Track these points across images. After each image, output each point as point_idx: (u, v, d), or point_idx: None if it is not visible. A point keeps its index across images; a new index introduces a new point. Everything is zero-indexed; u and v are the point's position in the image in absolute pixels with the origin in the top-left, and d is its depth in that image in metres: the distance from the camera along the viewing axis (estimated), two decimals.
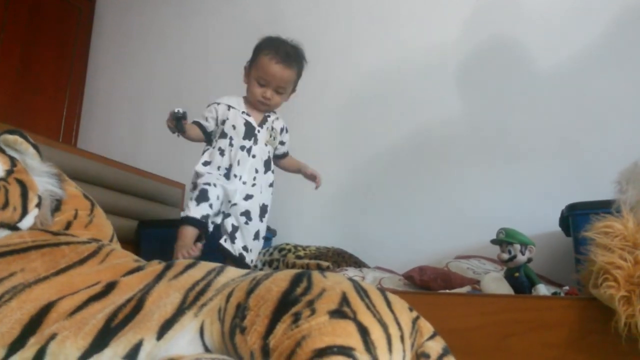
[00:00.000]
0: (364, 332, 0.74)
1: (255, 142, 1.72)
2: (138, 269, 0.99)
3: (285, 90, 1.76)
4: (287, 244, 2.07)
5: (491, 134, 2.20)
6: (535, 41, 2.20)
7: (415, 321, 0.85)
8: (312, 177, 1.85)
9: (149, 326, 0.84)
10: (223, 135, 1.71)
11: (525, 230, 1.41)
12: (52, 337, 0.83)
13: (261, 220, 1.71)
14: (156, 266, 0.99)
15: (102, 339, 0.83)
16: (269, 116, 1.79)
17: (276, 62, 1.71)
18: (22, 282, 0.91)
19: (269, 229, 2.29)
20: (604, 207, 1.21)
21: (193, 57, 2.87)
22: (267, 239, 2.28)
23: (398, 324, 0.80)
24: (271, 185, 1.77)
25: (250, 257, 1.68)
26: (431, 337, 0.85)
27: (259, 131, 1.74)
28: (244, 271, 0.98)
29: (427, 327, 0.86)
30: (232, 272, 0.96)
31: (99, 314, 0.87)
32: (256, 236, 1.70)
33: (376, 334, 0.75)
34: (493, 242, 1.41)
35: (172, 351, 0.81)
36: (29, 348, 0.82)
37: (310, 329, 0.72)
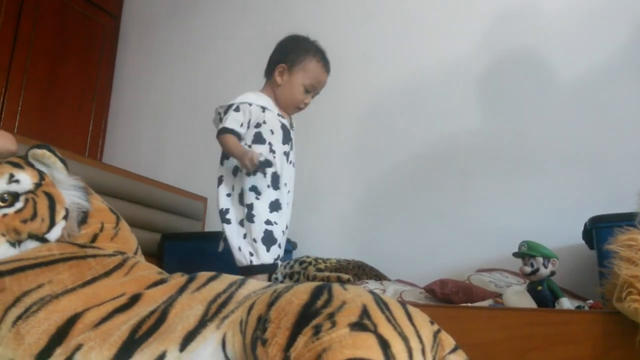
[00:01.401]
0: (384, 345, 0.74)
1: (292, 146, 1.65)
2: (162, 281, 1.01)
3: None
4: (308, 257, 2.08)
5: (512, 145, 2.18)
6: (554, 52, 2.18)
7: (436, 334, 0.85)
8: None
9: (172, 337, 0.85)
10: (260, 140, 1.58)
11: (547, 243, 1.40)
12: (78, 347, 0.85)
13: None
14: (179, 279, 1.01)
15: (127, 350, 0.85)
16: (291, 117, 1.73)
17: (325, 70, 1.68)
18: (50, 293, 0.93)
19: (289, 241, 2.30)
20: (627, 220, 1.19)
21: (215, 72, 2.91)
22: (288, 252, 2.30)
23: (419, 337, 0.80)
24: None
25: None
26: (453, 351, 0.85)
27: (293, 134, 1.67)
28: (265, 283, 0.99)
29: (448, 341, 0.86)
30: (253, 285, 0.98)
31: (123, 325, 0.88)
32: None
33: (397, 347, 0.75)
34: (515, 255, 1.40)
35: None
36: (55, 358, 0.84)
37: (331, 342, 0.72)
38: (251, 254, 1.52)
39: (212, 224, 2.59)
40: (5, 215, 1.04)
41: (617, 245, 1.08)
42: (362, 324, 0.76)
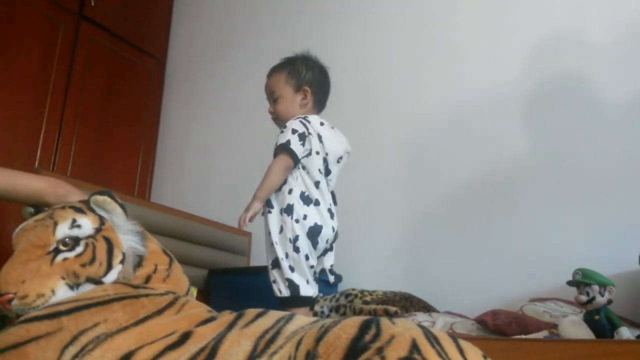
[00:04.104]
0: None
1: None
2: (211, 319, 1.02)
3: (278, 94, 1.73)
4: (354, 289, 2.06)
5: (562, 169, 2.13)
6: (602, 71, 2.13)
7: None
8: None
9: None
10: None
11: (604, 270, 1.35)
12: None
13: None
14: (228, 316, 1.02)
15: None
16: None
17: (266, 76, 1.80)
18: (105, 331, 0.96)
19: (335, 273, 2.29)
20: None
21: (259, 108, 2.97)
22: (334, 285, 2.28)
23: None
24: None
25: None
26: None
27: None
28: (313, 319, 0.99)
29: None
30: (300, 320, 0.97)
31: None
32: None
33: None
34: (569, 283, 1.35)
35: None
36: None
37: None
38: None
39: (256, 259, 2.61)
40: (66, 259, 1.09)
41: None
42: (411, 359, 0.74)
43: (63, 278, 1.07)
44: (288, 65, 1.77)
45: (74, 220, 1.13)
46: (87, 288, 1.09)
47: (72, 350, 0.93)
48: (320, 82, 1.78)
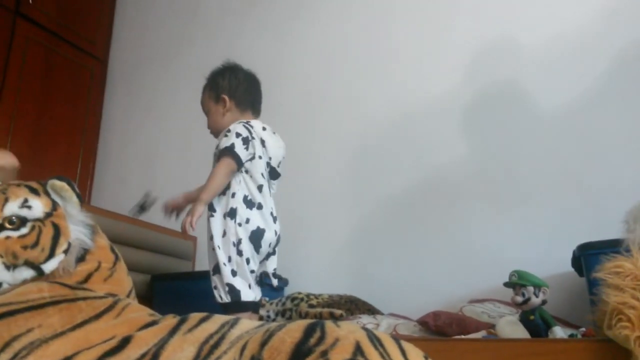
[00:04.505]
0: None
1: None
2: (153, 323, 1.00)
3: (206, 110, 1.79)
4: (299, 293, 2.06)
5: (499, 175, 2.21)
6: (536, 82, 2.23)
7: None
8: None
9: None
10: None
11: (538, 272, 1.41)
12: None
13: None
14: (170, 320, 1.00)
15: None
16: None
17: None
18: (39, 337, 0.92)
19: (280, 278, 2.29)
20: (614, 246, 1.21)
21: (200, 116, 2.94)
22: (280, 289, 2.28)
23: None
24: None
25: None
26: None
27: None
28: (258, 323, 0.98)
29: None
30: (245, 324, 0.97)
31: None
32: None
33: None
34: (506, 285, 1.41)
35: None
36: None
37: None
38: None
39: (202, 263, 2.57)
40: (8, 237, 1.05)
41: (604, 273, 1.09)
42: None
43: (1, 256, 1.04)
44: (209, 80, 1.80)
45: (26, 200, 1.09)
46: (25, 272, 1.06)
47: (4, 357, 0.89)
48: (239, 87, 1.77)
